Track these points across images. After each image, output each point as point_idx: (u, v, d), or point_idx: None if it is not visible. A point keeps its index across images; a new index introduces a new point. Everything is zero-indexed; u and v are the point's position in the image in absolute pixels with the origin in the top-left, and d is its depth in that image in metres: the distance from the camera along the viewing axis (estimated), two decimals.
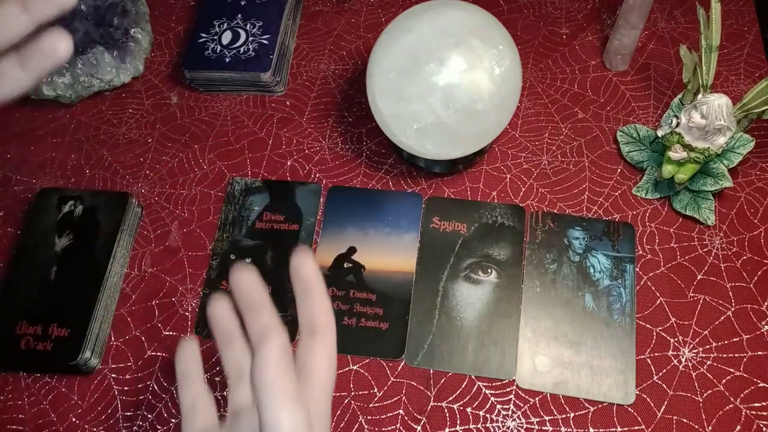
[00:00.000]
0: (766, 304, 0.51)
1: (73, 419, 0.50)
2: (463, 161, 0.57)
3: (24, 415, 0.50)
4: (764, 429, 0.47)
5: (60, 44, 0.34)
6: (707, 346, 0.50)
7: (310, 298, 0.33)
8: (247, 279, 0.33)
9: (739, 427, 0.47)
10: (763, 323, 0.51)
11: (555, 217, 0.56)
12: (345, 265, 0.55)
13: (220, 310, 0.36)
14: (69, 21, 0.65)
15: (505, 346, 0.51)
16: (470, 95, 0.49)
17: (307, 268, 0.33)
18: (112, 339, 0.53)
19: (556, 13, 0.68)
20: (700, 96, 0.53)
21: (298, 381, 0.28)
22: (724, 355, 0.50)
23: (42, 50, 0.35)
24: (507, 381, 0.50)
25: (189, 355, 0.37)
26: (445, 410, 0.49)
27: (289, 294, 0.55)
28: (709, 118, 0.51)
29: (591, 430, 0.48)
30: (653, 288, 0.53)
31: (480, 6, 0.53)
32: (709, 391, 0.48)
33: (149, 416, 0.50)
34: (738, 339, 0.50)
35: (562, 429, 0.48)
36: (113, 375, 0.52)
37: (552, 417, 0.48)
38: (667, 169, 0.54)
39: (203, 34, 0.64)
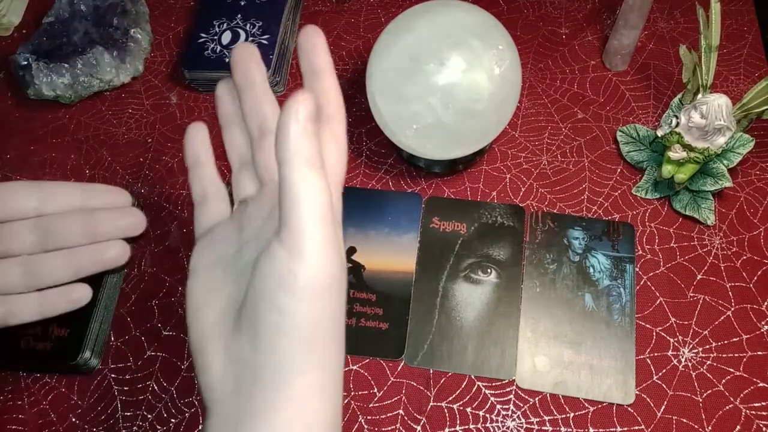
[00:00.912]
0: (766, 304, 0.52)
1: (73, 419, 0.50)
2: (463, 161, 0.57)
3: (24, 415, 0.50)
4: (764, 429, 0.47)
5: (80, 294, 0.41)
6: (707, 346, 0.50)
7: (316, 80, 0.32)
8: (244, 53, 0.33)
9: (738, 427, 0.47)
10: (763, 323, 0.51)
11: (555, 217, 0.56)
12: None
13: (224, 92, 0.35)
14: (69, 21, 0.65)
15: (505, 346, 0.51)
16: (470, 95, 0.49)
17: (315, 46, 0.32)
18: (112, 339, 0.53)
19: (556, 13, 0.68)
20: (699, 96, 0.53)
21: None
22: (724, 355, 0.50)
23: (65, 293, 0.40)
24: (507, 381, 0.50)
25: (199, 141, 0.36)
26: (445, 410, 0.49)
27: None
28: (709, 118, 0.51)
29: (591, 430, 0.48)
30: (653, 288, 0.53)
31: (480, 6, 0.53)
32: (709, 391, 0.48)
33: (149, 416, 0.50)
34: (738, 339, 0.50)
35: (562, 429, 0.48)
36: (113, 375, 0.52)
37: (552, 417, 0.48)
38: (667, 169, 0.54)
39: (203, 34, 0.64)
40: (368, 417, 0.49)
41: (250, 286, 0.28)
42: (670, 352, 0.50)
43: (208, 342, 0.30)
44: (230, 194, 0.37)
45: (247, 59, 0.34)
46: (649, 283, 0.53)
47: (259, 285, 0.27)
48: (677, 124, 0.53)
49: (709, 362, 0.50)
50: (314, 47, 0.32)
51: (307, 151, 0.26)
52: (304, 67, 0.32)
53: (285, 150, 0.26)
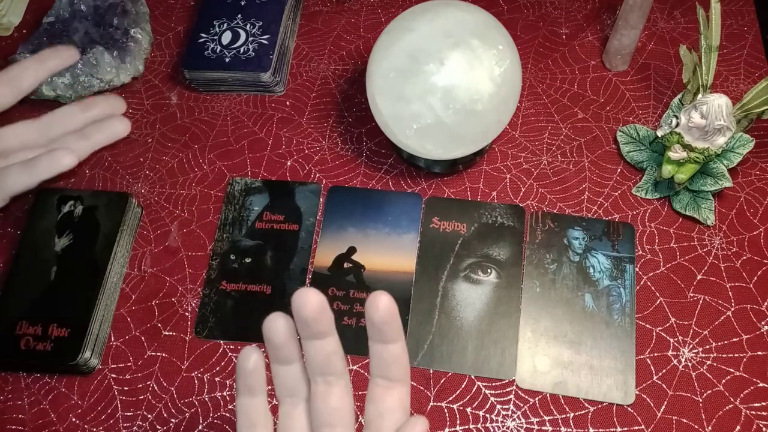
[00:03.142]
0: (766, 304, 0.52)
1: (73, 419, 0.50)
2: (463, 161, 0.57)
3: (24, 415, 0.50)
4: (764, 429, 0.47)
5: (64, 160, 0.50)
6: (707, 346, 0.50)
7: (385, 345, 0.32)
8: (313, 304, 0.29)
9: (738, 427, 0.47)
10: (763, 323, 0.51)
11: (555, 217, 0.56)
12: (345, 265, 0.55)
13: (282, 328, 0.31)
14: (69, 21, 0.65)
15: (505, 346, 0.51)
16: (470, 95, 0.49)
17: (385, 313, 0.31)
18: (112, 339, 0.53)
19: (556, 13, 0.68)
20: (699, 96, 0.53)
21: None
22: (724, 355, 0.50)
23: (50, 158, 0.49)
24: (507, 381, 0.50)
25: (255, 367, 0.32)
26: (445, 410, 0.49)
27: (288, 296, 0.55)
28: (709, 118, 0.51)
29: (591, 430, 0.48)
30: (653, 288, 0.53)
31: (480, 6, 0.53)
32: (709, 391, 0.48)
33: (149, 416, 0.50)
34: (738, 339, 0.50)
35: (562, 429, 0.48)
36: (113, 375, 0.52)
37: (552, 417, 0.48)
38: (667, 169, 0.54)
39: (203, 34, 0.64)
40: None
41: None
42: (670, 352, 0.50)
43: None
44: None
45: (322, 318, 0.31)
46: (649, 283, 0.53)
47: None
48: (677, 124, 0.53)
49: (709, 362, 0.50)
50: (378, 307, 0.31)
51: None
52: (370, 330, 0.32)
53: None
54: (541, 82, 0.63)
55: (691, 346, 0.50)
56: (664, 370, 0.49)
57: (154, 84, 0.66)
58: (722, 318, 0.51)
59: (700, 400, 0.48)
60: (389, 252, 0.55)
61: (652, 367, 0.50)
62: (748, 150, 0.54)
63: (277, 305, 0.53)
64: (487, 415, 0.49)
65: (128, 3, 0.66)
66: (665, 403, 0.48)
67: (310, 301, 0.29)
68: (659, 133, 0.55)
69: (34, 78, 0.56)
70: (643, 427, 0.48)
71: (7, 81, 0.54)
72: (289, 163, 0.60)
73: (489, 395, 0.49)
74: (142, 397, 0.51)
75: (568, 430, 0.48)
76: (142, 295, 0.55)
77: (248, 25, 0.64)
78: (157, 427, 0.49)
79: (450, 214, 0.56)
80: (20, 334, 0.51)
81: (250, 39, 0.63)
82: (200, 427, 0.49)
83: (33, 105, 0.65)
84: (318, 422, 0.32)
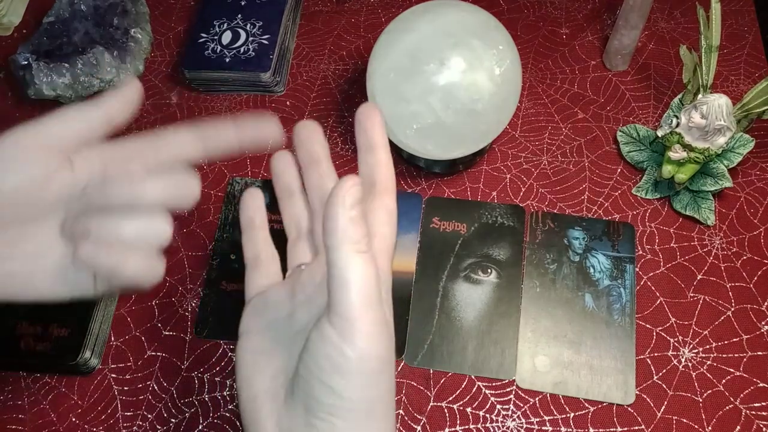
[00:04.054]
0: (766, 304, 0.52)
1: (73, 419, 0.50)
2: (463, 161, 0.57)
3: (24, 415, 0.50)
4: (764, 429, 0.47)
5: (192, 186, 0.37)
6: (707, 346, 0.50)
7: (371, 154, 0.33)
8: (309, 131, 0.34)
9: (739, 427, 0.47)
10: (763, 323, 0.51)
11: (555, 217, 0.56)
12: None
13: (281, 163, 0.37)
14: (69, 21, 0.65)
15: (505, 346, 0.51)
16: (470, 95, 0.49)
17: (373, 123, 0.33)
18: (112, 339, 0.53)
19: (556, 13, 0.68)
20: (700, 96, 0.53)
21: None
22: (724, 355, 0.50)
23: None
24: (507, 381, 0.50)
25: (256, 206, 0.38)
26: (445, 410, 0.49)
27: None
28: (709, 118, 0.51)
29: (591, 430, 0.48)
30: (653, 288, 0.53)
31: (480, 6, 0.53)
32: (709, 391, 0.48)
33: (149, 416, 0.50)
34: (738, 339, 0.50)
35: (562, 429, 0.48)
36: (113, 375, 0.52)
37: (552, 417, 0.48)
38: (667, 169, 0.54)
39: (203, 34, 0.64)
40: None
41: (302, 362, 0.28)
42: (670, 352, 0.50)
43: (260, 409, 0.30)
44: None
45: (312, 138, 0.36)
46: (649, 283, 0.53)
47: (311, 363, 0.28)
48: (677, 124, 0.53)
49: (709, 362, 0.50)
50: (373, 124, 0.33)
51: (354, 236, 0.27)
52: (359, 142, 0.33)
53: (333, 236, 0.26)
54: (541, 82, 0.63)
55: (691, 346, 0.50)
56: (664, 370, 0.49)
57: (154, 84, 0.66)
58: (722, 318, 0.51)
59: (700, 400, 0.48)
60: None
61: (652, 367, 0.50)
62: (748, 150, 0.54)
63: None
64: (487, 415, 0.49)
65: (128, 3, 0.66)
66: (665, 403, 0.48)
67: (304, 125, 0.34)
68: (659, 133, 0.55)
69: None
70: (643, 427, 0.48)
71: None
72: None
73: (489, 395, 0.49)
74: (142, 397, 0.51)
75: (568, 430, 0.48)
76: (142, 295, 0.55)
77: (248, 25, 0.64)
78: (157, 427, 0.49)
79: (450, 214, 0.56)
80: (20, 334, 0.51)
81: (250, 39, 0.63)
82: (200, 427, 0.49)
83: (33, 105, 0.65)
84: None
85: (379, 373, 0.28)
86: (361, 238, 0.27)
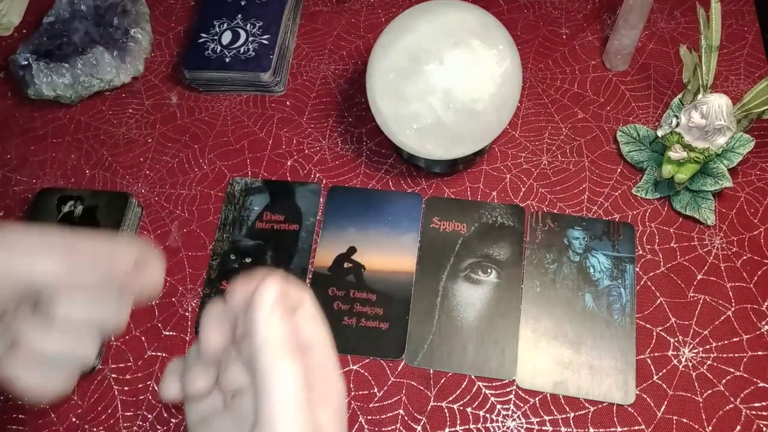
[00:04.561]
0: (766, 304, 0.51)
1: (73, 419, 0.50)
2: (463, 161, 0.57)
3: (24, 415, 0.50)
4: (764, 429, 0.47)
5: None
6: (707, 346, 0.50)
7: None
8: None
9: (739, 427, 0.47)
10: (763, 323, 0.51)
11: (555, 217, 0.56)
12: (345, 265, 0.55)
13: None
14: (69, 21, 0.65)
15: (505, 346, 0.51)
16: (470, 95, 0.49)
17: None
18: (112, 339, 0.53)
19: (556, 13, 0.68)
20: (700, 96, 0.53)
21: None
22: (724, 355, 0.50)
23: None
24: (507, 381, 0.50)
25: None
26: (445, 410, 0.49)
27: None
28: (709, 118, 0.51)
29: (591, 430, 0.48)
30: (653, 288, 0.53)
31: (480, 6, 0.53)
32: (709, 391, 0.48)
33: (149, 416, 0.50)
34: (738, 339, 0.50)
35: (562, 429, 0.48)
36: (113, 375, 0.52)
37: (552, 417, 0.48)
38: (667, 169, 0.54)
39: (203, 34, 0.64)
40: (368, 417, 0.49)
41: None
42: (670, 352, 0.50)
43: None
44: None
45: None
46: (649, 283, 0.53)
47: None
48: (677, 124, 0.53)
49: (709, 362, 0.50)
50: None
51: (277, 338, 0.25)
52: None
53: (255, 339, 0.25)
54: (541, 82, 0.63)
55: (691, 346, 0.50)
56: (664, 370, 0.49)
57: (154, 84, 0.66)
58: (722, 318, 0.51)
59: (700, 400, 0.48)
60: (389, 252, 0.55)
61: (652, 367, 0.49)
62: (748, 150, 0.54)
63: None
64: (488, 415, 0.49)
65: (128, 3, 0.66)
66: (665, 403, 0.48)
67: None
68: (659, 133, 0.55)
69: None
70: (643, 427, 0.48)
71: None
72: (289, 163, 0.60)
73: (489, 395, 0.49)
74: (142, 397, 0.51)
75: (568, 430, 0.48)
76: None
77: (248, 25, 0.64)
78: (157, 427, 0.49)
79: (450, 214, 0.56)
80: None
81: (250, 39, 0.63)
82: None
83: (33, 105, 0.65)
84: None
85: None
86: (285, 340, 0.26)
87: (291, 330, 0.26)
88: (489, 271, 0.54)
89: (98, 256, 0.30)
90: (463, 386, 0.50)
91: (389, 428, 0.49)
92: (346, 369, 0.51)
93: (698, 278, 0.53)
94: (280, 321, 0.26)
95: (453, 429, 0.48)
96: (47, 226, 0.30)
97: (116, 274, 0.30)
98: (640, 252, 0.54)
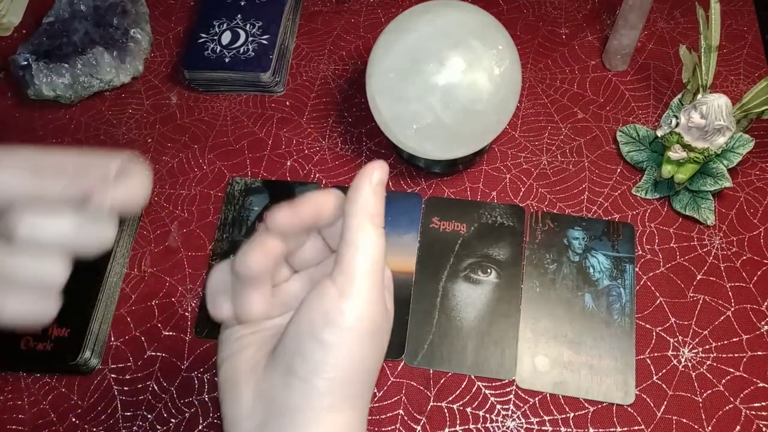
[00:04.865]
0: (766, 304, 0.52)
1: (73, 419, 0.50)
2: (462, 161, 0.57)
3: (24, 415, 0.50)
4: (764, 429, 0.47)
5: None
6: (707, 346, 0.50)
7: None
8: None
9: (739, 427, 0.47)
10: (763, 323, 0.51)
11: (555, 217, 0.56)
12: None
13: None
14: (69, 21, 0.65)
15: (504, 346, 0.51)
16: (470, 95, 0.49)
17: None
18: (112, 339, 0.53)
19: (556, 13, 0.68)
20: (699, 96, 0.53)
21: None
22: (724, 355, 0.50)
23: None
24: (507, 381, 0.50)
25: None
26: (445, 410, 0.49)
27: None
28: (709, 118, 0.51)
29: (591, 430, 0.48)
30: (653, 288, 0.53)
31: (480, 6, 0.53)
32: (709, 391, 0.48)
33: (149, 416, 0.50)
34: (738, 339, 0.50)
35: (562, 429, 0.48)
36: (113, 375, 0.52)
37: (552, 417, 0.48)
38: (667, 169, 0.54)
39: (203, 35, 0.64)
40: (368, 417, 0.49)
41: (293, 322, 0.29)
42: (670, 352, 0.50)
43: (240, 376, 0.30)
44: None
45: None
46: (649, 283, 0.53)
47: (304, 320, 0.28)
48: (677, 124, 0.53)
49: (709, 362, 0.50)
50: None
51: (373, 209, 0.29)
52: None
53: (353, 204, 0.29)
54: (541, 82, 0.63)
55: (691, 346, 0.50)
56: (664, 370, 0.49)
57: (154, 84, 0.66)
58: (722, 318, 0.51)
59: (700, 400, 0.48)
60: (389, 252, 0.54)
61: (652, 367, 0.50)
62: (748, 150, 0.54)
63: None
64: (487, 415, 0.49)
65: (128, 3, 0.66)
66: (665, 403, 0.48)
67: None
68: (659, 133, 0.55)
69: None
70: (643, 427, 0.48)
71: None
72: (289, 163, 0.60)
73: (489, 395, 0.49)
74: (142, 397, 0.51)
75: (568, 430, 0.48)
76: (141, 295, 0.55)
77: (248, 25, 0.64)
78: (157, 427, 0.49)
79: (450, 214, 0.56)
80: (20, 334, 0.51)
81: (250, 39, 0.63)
82: (200, 427, 0.49)
83: (33, 105, 0.65)
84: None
85: (370, 340, 0.28)
86: (378, 214, 0.29)
87: (382, 211, 0.29)
88: (489, 271, 0.54)
89: (69, 168, 0.27)
90: (462, 386, 0.50)
91: (389, 428, 0.49)
92: None
93: (698, 278, 0.53)
94: (380, 198, 0.29)
95: (453, 429, 0.48)
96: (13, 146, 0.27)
97: (91, 188, 0.27)
98: (640, 252, 0.54)
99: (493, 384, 0.50)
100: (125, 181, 0.27)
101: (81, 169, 0.27)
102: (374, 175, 0.29)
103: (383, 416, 0.49)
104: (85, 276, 0.53)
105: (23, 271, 0.26)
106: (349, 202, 0.29)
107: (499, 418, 0.48)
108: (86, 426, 0.50)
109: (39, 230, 0.26)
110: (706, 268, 0.53)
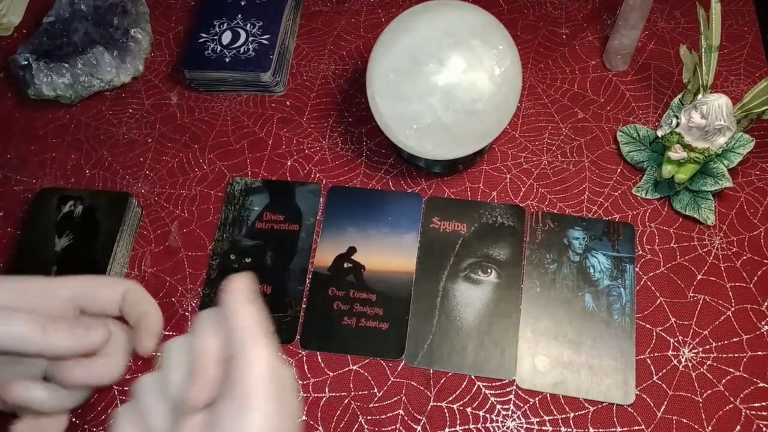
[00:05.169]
0: (766, 304, 0.52)
1: (73, 419, 0.50)
2: (463, 161, 0.57)
3: None
4: (764, 429, 0.47)
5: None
6: (707, 346, 0.50)
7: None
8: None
9: (738, 427, 0.47)
10: (763, 323, 0.51)
11: (555, 217, 0.56)
12: (345, 265, 0.55)
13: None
14: (69, 21, 0.65)
15: (504, 346, 0.51)
16: (470, 95, 0.49)
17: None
18: None
19: (556, 13, 0.68)
20: (700, 96, 0.53)
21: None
22: (724, 355, 0.50)
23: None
24: (507, 381, 0.50)
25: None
26: (445, 410, 0.49)
27: (288, 296, 0.54)
28: (709, 118, 0.51)
29: (591, 430, 0.48)
30: (653, 288, 0.53)
31: (480, 6, 0.53)
32: (709, 391, 0.48)
33: None
34: (738, 339, 0.50)
35: (562, 429, 0.48)
36: None
37: (552, 417, 0.48)
38: (667, 169, 0.54)
39: (203, 34, 0.64)
40: (368, 417, 0.49)
41: None
42: (670, 352, 0.50)
43: None
44: None
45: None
46: (649, 283, 0.53)
47: None
48: (677, 124, 0.53)
49: (709, 362, 0.50)
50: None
51: (253, 318, 0.29)
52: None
53: (234, 322, 0.29)
54: (541, 82, 0.63)
55: (691, 346, 0.50)
56: (664, 370, 0.49)
57: (154, 84, 0.66)
58: (722, 318, 0.51)
59: (700, 400, 0.48)
60: (389, 252, 0.55)
61: (652, 367, 0.50)
62: (748, 150, 0.54)
63: (277, 305, 0.53)
64: (487, 415, 0.49)
65: (128, 3, 0.66)
66: (665, 403, 0.48)
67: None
68: (659, 133, 0.55)
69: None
70: (643, 427, 0.48)
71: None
72: (289, 163, 0.60)
73: (489, 395, 0.49)
74: None
75: (568, 430, 0.48)
76: None
77: (248, 25, 0.64)
78: None
79: (450, 214, 0.56)
80: None
81: (250, 39, 0.63)
82: None
83: (33, 105, 0.65)
84: None
85: None
86: (257, 321, 0.29)
87: (258, 316, 0.29)
88: (489, 271, 0.54)
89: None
90: (462, 386, 0.50)
91: (389, 428, 0.49)
92: (346, 369, 0.51)
93: (698, 278, 0.53)
94: (252, 306, 0.29)
95: (453, 429, 0.48)
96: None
97: (101, 310, 0.34)
98: (640, 252, 0.54)
99: (493, 384, 0.50)
100: (138, 306, 0.35)
101: (86, 324, 0.33)
102: (238, 290, 0.29)
103: (383, 416, 0.49)
104: None
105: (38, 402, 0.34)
106: (231, 321, 0.29)
107: (499, 418, 0.48)
108: (86, 426, 0.50)
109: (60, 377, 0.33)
110: (706, 268, 0.53)
